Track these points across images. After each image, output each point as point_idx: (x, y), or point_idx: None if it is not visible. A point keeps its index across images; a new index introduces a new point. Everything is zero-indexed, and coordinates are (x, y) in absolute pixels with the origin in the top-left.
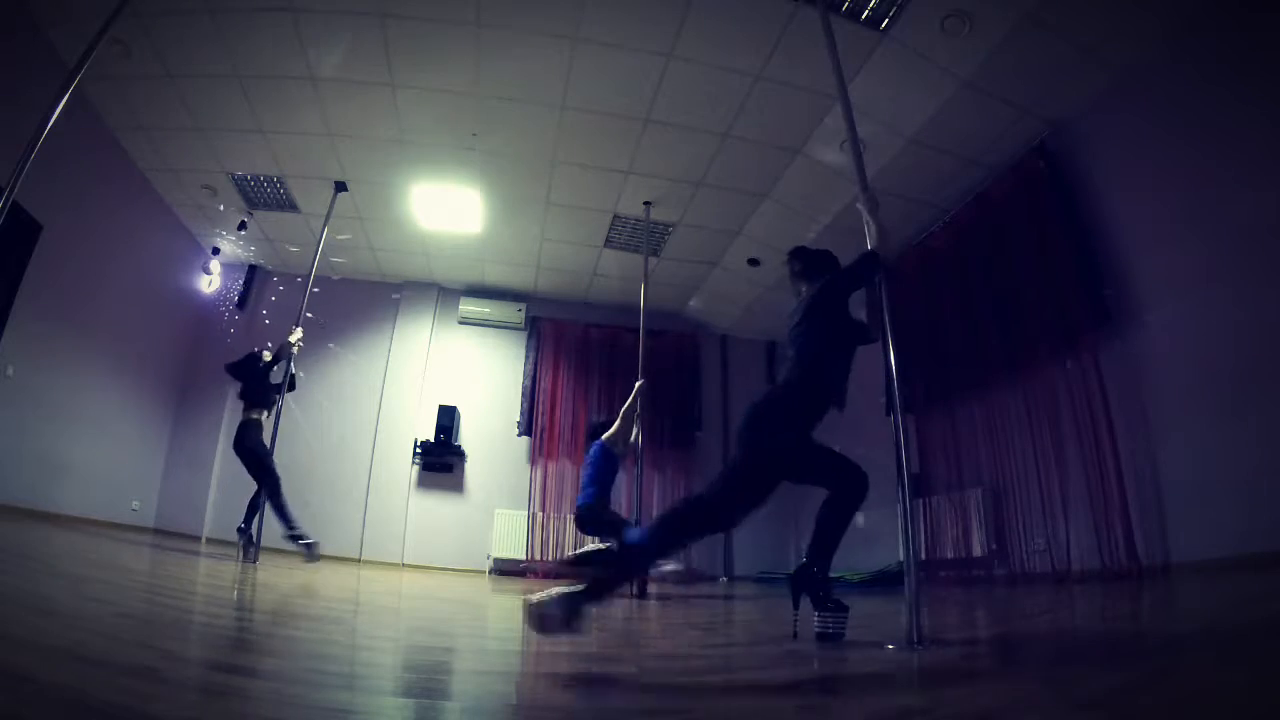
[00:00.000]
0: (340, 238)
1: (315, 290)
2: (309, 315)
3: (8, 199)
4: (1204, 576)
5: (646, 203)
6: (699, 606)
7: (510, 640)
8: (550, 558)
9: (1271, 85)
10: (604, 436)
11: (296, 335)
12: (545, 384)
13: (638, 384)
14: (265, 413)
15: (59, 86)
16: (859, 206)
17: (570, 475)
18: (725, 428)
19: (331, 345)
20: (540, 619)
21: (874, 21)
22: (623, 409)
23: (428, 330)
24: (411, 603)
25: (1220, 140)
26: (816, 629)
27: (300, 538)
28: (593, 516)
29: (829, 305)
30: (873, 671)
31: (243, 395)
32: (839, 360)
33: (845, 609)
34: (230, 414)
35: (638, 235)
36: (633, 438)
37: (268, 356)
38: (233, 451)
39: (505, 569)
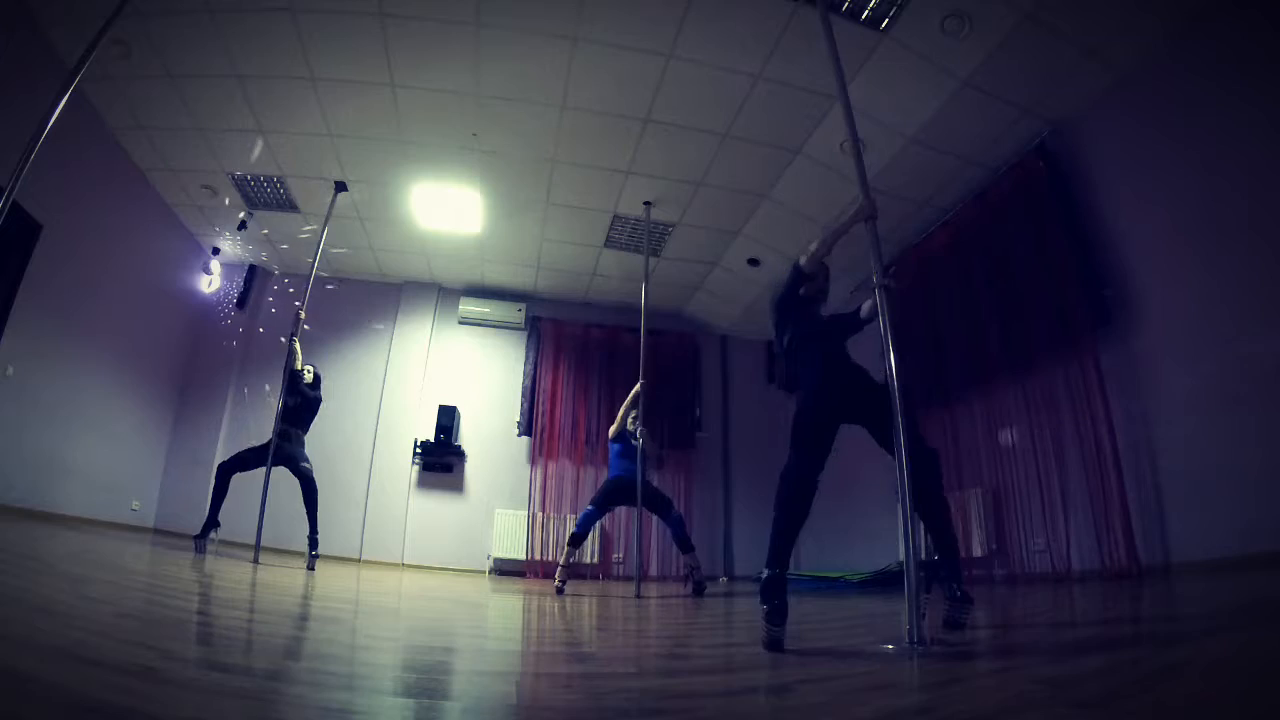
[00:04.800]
0: (337, 250)
1: (322, 286)
2: (305, 326)
3: (8, 199)
4: (1204, 576)
5: (646, 203)
6: (700, 606)
7: (510, 640)
8: (550, 558)
9: (1272, 85)
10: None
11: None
12: (545, 384)
13: (638, 384)
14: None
15: (59, 86)
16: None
17: (570, 475)
18: (725, 428)
19: (330, 319)
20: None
21: (874, 21)
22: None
23: (428, 330)
24: (411, 603)
25: (1221, 140)
26: (944, 617)
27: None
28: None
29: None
30: (873, 671)
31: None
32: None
33: (971, 600)
34: (231, 413)
35: (638, 235)
36: (631, 427)
37: (308, 376)
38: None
39: (505, 569)
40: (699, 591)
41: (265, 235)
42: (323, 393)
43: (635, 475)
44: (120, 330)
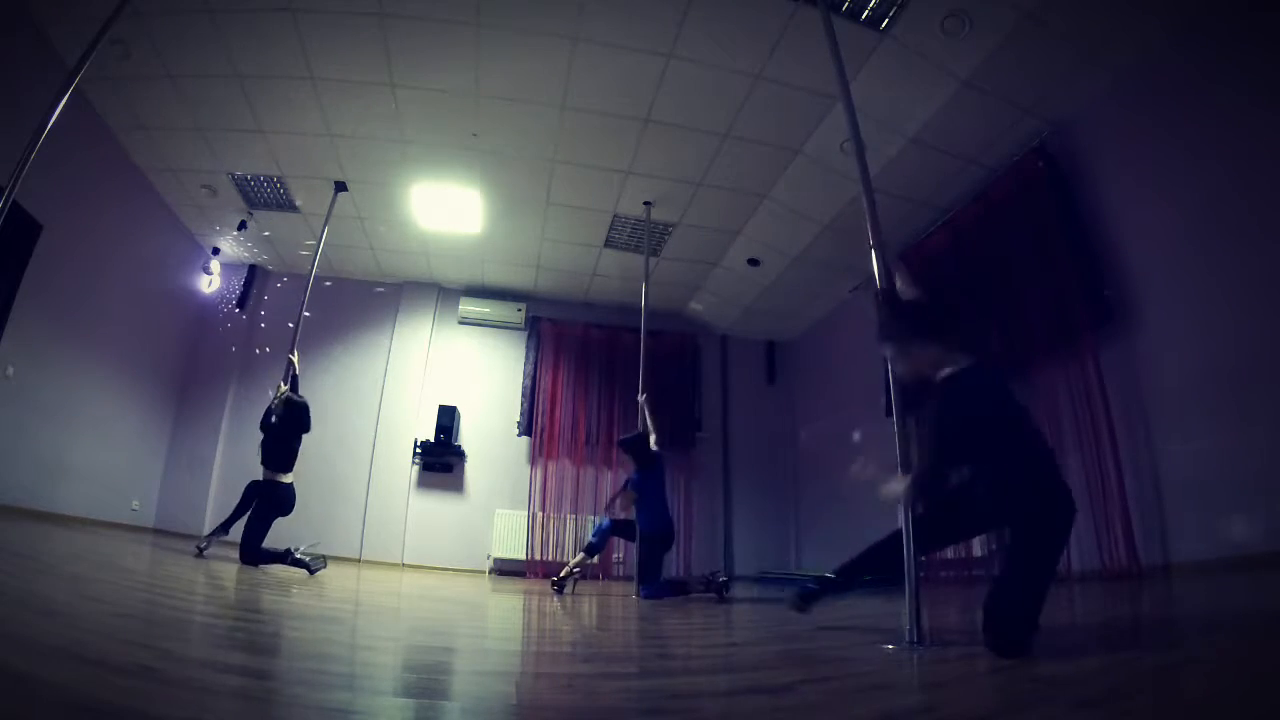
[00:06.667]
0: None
1: (323, 284)
2: (299, 345)
3: (8, 199)
4: (1204, 577)
5: (646, 203)
6: (701, 607)
7: (510, 640)
8: (550, 558)
9: (1272, 85)
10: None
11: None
12: (545, 384)
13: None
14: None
15: (59, 86)
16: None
17: (570, 475)
18: (725, 428)
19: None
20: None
21: (874, 21)
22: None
23: (428, 330)
24: (411, 603)
25: (1220, 139)
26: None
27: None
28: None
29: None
30: (873, 671)
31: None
32: None
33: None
34: (231, 414)
35: (638, 235)
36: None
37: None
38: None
39: (505, 569)
40: (715, 594)
41: (266, 235)
42: (312, 417)
43: (670, 528)
44: (120, 330)
